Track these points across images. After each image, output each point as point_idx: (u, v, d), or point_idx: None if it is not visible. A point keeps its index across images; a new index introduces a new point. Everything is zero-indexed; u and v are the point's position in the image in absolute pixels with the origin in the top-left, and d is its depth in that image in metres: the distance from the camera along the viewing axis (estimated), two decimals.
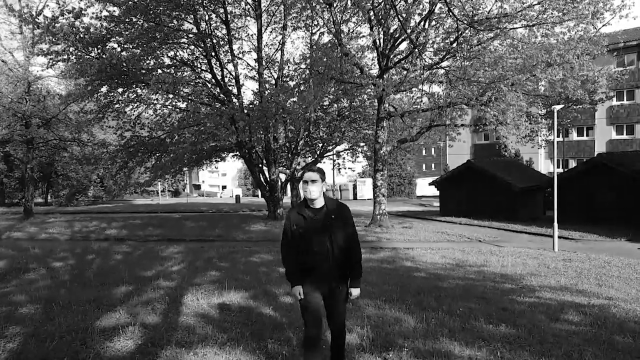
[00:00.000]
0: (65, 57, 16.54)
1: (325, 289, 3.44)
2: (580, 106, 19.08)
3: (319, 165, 14.95)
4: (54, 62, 16.88)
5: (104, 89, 18.29)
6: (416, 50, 13.99)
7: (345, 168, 24.71)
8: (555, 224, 13.51)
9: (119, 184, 31.11)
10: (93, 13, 16.01)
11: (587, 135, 35.71)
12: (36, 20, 16.28)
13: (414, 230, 17.25)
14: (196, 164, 23.77)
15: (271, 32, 21.31)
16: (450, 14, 9.74)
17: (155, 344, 4.23)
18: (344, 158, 24.52)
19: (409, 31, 14.64)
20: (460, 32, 14.58)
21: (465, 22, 12.31)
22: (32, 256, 9.95)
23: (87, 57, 16.50)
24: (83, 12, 15.83)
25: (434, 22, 15.78)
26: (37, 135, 23.06)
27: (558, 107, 14.46)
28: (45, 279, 7.35)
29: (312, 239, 3.38)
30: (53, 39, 15.90)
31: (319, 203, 3.47)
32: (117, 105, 19.46)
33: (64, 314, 5.11)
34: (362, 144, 23.64)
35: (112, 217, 24.25)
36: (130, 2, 15.37)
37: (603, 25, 14.89)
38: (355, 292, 3.49)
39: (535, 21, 13.65)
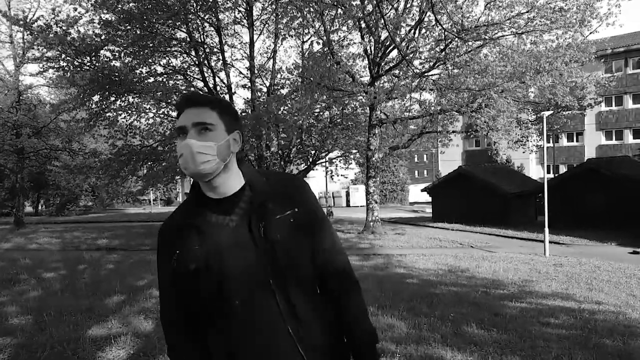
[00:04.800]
0: (58, 65, 16.52)
1: None
2: (570, 112, 19.34)
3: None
4: (45, 69, 16.85)
5: (95, 97, 18.26)
6: (406, 59, 14.13)
7: (337, 175, 24.77)
8: (546, 229, 13.63)
9: (111, 193, 30.99)
10: (87, 21, 16.04)
11: (577, 140, 36.07)
12: (31, 26, 16.26)
13: (407, 237, 17.30)
14: None
15: (263, 40, 21.42)
16: (438, 24, 9.84)
17: (148, 353, 4.21)
18: (336, 165, 24.57)
19: (398, 40, 14.78)
20: (449, 41, 14.75)
21: (454, 32, 12.47)
22: (23, 267, 9.86)
23: (79, 65, 16.48)
24: (78, 20, 15.86)
25: (423, 31, 15.95)
26: (27, 145, 22.92)
27: (547, 113, 14.67)
28: (36, 290, 7.29)
29: (227, 282, 1.33)
30: (46, 46, 15.89)
31: (230, 184, 1.42)
32: (108, 114, 19.42)
33: (55, 324, 5.07)
34: (354, 151, 23.71)
35: (104, 226, 24.08)
36: (126, 10, 15.42)
37: (590, 33, 15.15)
38: None
39: (523, 29, 13.85)
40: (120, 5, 15.34)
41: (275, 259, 1.35)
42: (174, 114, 19.79)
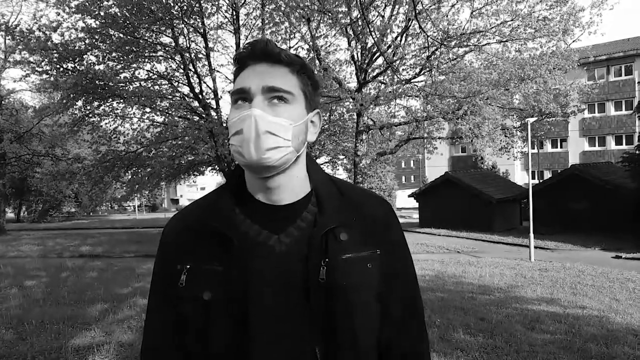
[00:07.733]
0: (41, 68, 16.32)
1: None
2: (554, 119, 19.59)
3: None
4: (28, 74, 16.63)
5: (79, 102, 18.05)
6: (391, 66, 14.23)
7: None
8: (531, 234, 13.76)
9: (94, 199, 30.56)
10: (70, 25, 15.86)
11: (561, 147, 36.56)
12: (12, 31, 16.07)
13: None
14: (174, 179, 23.52)
15: None
16: (422, 32, 9.93)
17: None
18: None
19: (384, 47, 14.88)
20: (435, 48, 14.88)
21: (438, 39, 12.60)
22: (3, 274, 9.66)
23: (63, 70, 16.30)
24: (60, 24, 15.68)
25: (409, 38, 16.08)
26: (9, 150, 22.55)
27: (531, 120, 14.85)
28: (16, 298, 7.14)
29: (253, 335, 0.88)
30: (28, 51, 15.70)
31: (292, 188, 0.96)
32: (92, 119, 19.21)
33: (36, 334, 4.96)
34: (342, 157, 23.76)
35: (87, 233, 23.75)
36: (109, 16, 15.28)
37: (573, 41, 15.40)
38: None
39: (508, 37, 14.05)
40: (101, 11, 15.22)
41: (331, 316, 0.90)
42: (159, 119, 19.62)
